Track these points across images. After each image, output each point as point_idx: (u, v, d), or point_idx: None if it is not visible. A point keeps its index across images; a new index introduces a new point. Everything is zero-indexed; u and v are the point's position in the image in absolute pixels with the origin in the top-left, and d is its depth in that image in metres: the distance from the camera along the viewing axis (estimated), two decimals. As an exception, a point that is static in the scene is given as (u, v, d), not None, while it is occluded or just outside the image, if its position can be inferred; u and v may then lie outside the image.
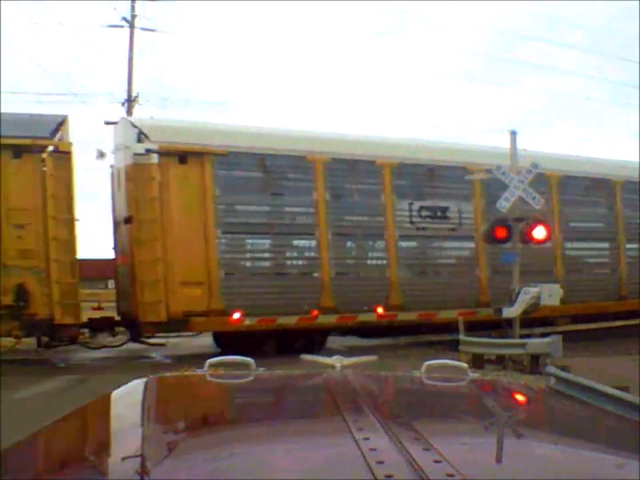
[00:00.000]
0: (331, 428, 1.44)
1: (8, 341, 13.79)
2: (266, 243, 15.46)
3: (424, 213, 16.30)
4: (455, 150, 17.09)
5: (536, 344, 12.68)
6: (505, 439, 1.52)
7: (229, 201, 14.62)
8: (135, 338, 15.57)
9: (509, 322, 13.77)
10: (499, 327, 13.97)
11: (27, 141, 12.51)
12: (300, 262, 15.99)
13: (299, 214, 15.47)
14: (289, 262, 15.86)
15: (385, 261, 16.50)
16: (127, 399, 2.05)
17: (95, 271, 22.76)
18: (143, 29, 26.99)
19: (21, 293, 12.81)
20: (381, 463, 1.13)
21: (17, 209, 12.52)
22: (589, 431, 1.67)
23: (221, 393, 2.15)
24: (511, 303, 13.61)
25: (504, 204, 13.35)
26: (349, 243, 16.46)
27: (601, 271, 18.77)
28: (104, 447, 1.49)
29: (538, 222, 13.44)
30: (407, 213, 16.15)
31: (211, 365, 2.27)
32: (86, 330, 15.27)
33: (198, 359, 2.98)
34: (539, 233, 13.40)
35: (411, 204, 16.19)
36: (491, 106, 62.87)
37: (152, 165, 13.59)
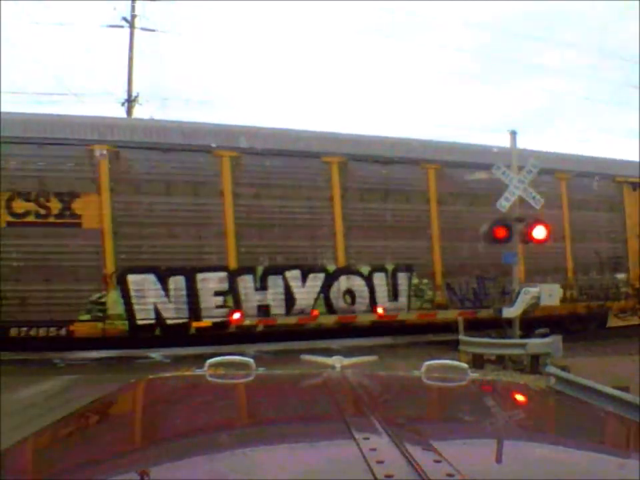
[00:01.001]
0: (330, 428, 1.44)
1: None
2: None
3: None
4: None
5: (536, 344, 12.69)
6: (504, 439, 1.52)
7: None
8: None
9: (509, 322, 13.80)
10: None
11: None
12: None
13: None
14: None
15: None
16: (127, 399, 2.05)
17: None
18: (142, 29, 27.02)
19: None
20: (381, 462, 1.13)
21: None
22: (588, 431, 1.67)
23: (220, 393, 2.15)
24: (511, 302, 13.64)
25: (504, 204, 13.36)
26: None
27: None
28: (104, 447, 1.49)
29: (538, 222, 13.46)
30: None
31: (211, 365, 2.27)
32: None
33: (198, 358, 2.99)
34: (539, 232, 13.41)
35: None
36: (490, 106, 62.88)
37: None
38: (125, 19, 26.83)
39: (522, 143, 14.47)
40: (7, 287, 12.31)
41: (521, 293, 13.54)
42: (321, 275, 15.01)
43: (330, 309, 15.42)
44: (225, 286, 14.20)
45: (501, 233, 13.56)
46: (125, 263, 13.28)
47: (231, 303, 14.30)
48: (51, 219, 12.69)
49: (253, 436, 1.46)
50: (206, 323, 14.14)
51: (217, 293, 14.22)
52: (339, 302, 15.42)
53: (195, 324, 14.02)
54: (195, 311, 13.98)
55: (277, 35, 59.98)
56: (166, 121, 15.23)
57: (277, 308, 14.80)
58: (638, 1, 31.85)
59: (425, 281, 16.25)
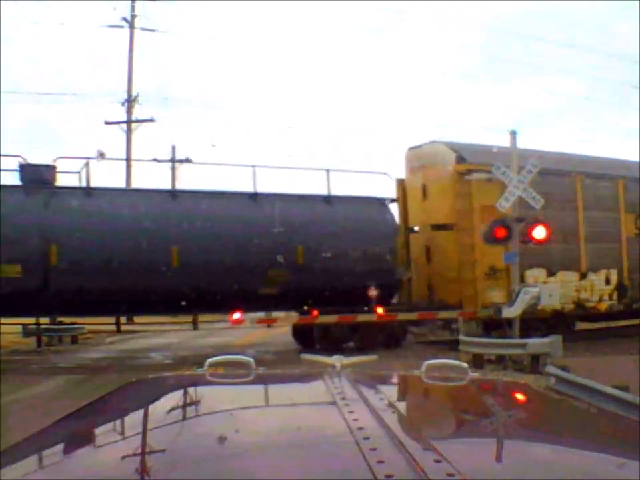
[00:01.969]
0: (330, 428, 1.44)
1: None
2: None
3: None
4: None
5: (536, 344, 12.68)
6: (504, 439, 1.52)
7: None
8: None
9: (509, 322, 13.78)
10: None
11: None
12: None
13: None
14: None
15: None
16: (127, 399, 2.05)
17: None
18: (142, 29, 27.01)
19: None
20: (381, 462, 1.13)
21: None
22: (588, 430, 1.67)
23: (220, 392, 2.16)
24: (511, 302, 13.62)
25: (504, 204, 13.35)
26: None
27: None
28: (104, 447, 1.49)
29: (537, 222, 13.45)
30: None
31: (211, 365, 2.27)
32: None
33: (198, 358, 2.99)
34: (539, 232, 13.40)
35: None
36: (490, 106, 62.87)
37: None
38: (125, 19, 26.84)
39: (521, 143, 14.47)
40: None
41: (520, 292, 13.52)
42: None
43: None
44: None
45: (501, 232, 13.55)
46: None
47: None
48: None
49: (252, 436, 1.46)
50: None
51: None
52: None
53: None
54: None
55: (277, 34, 59.91)
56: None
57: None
58: (638, 1, 31.85)
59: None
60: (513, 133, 13.89)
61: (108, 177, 17.30)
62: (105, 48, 55.32)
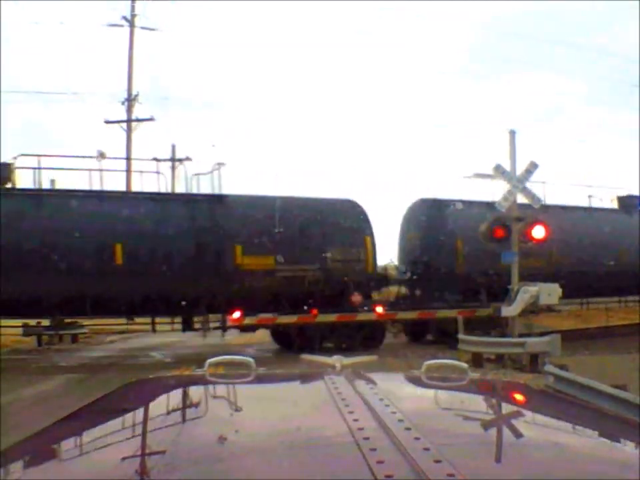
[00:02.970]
0: (330, 428, 1.44)
1: None
2: None
3: None
4: None
5: (535, 343, 12.70)
6: (504, 438, 1.52)
7: None
8: None
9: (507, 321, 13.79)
10: None
11: None
12: None
13: None
14: None
15: None
16: (127, 399, 2.05)
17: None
18: (143, 28, 26.99)
19: None
20: (381, 462, 1.13)
21: None
22: (587, 430, 1.67)
23: (220, 392, 2.16)
24: (510, 301, 13.62)
25: (503, 204, 13.36)
26: None
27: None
28: (104, 447, 1.49)
29: (537, 222, 13.44)
30: None
31: (211, 365, 2.27)
32: None
33: (198, 358, 2.99)
34: (538, 232, 13.39)
35: None
36: (490, 106, 62.82)
37: None
38: (125, 18, 26.81)
39: (521, 143, 14.48)
40: None
41: (520, 291, 13.51)
42: None
43: None
44: None
45: (499, 232, 13.54)
46: None
47: None
48: None
49: (252, 436, 1.46)
50: None
51: None
52: None
53: None
54: None
55: (276, 34, 59.86)
56: None
57: None
58: (638, 1, 31.83)
59: None
60: (512, 133, 13.89)
61: (108, 177, 17.06)
62: (105, 47, 55.26)
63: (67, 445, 1.56)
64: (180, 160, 26.53)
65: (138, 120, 27.39)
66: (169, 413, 1.76)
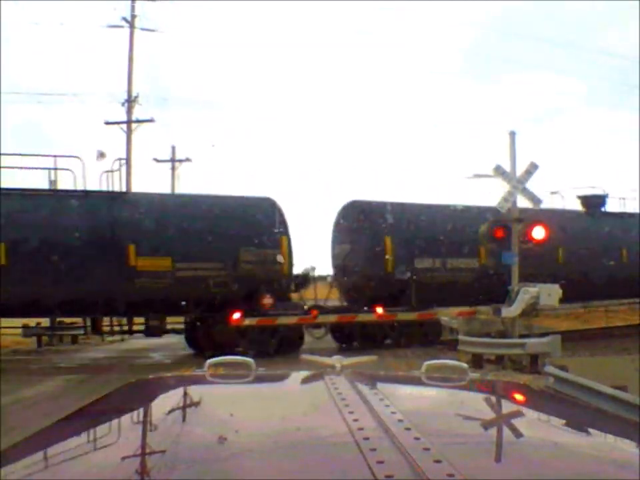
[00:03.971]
0: (330, 428, 1.44)
1: None
2: None
3: None
4: None
5: (535, 344, 12.70)
6: (504, 439, 1.52)
7: None
8: None
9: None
10: None
11: None
12: None
13: None
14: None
15: None
16: (127, 399, 2.05)
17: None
18: (142, 29, 26.99)
19: None
20: (381, 462, 1.13)
21: None
22: (588, 430, 1.67)
23: (220, 393, 2.16)
24: (510, 302, 13.61)
25: (503, 204, 13.36)
26: None
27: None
28: (104, 447, 1.49)
29: (536, 222, 13.45)
30: None
31: (211, 365, 2.27)
32: None
33: (198, 358, 2.99)
34: (538, 233, 13.40)
35: None
36: (490, 106, 62.90)
37: None
38: (125, 19, 26.82)
39: (520, 143, 14.49)
40: None
41: (520, 292, 13.51)
42: None
43: None
44: None
45: (499, 233, 13.55)
46: None
47: None
48: None
49: (252, 436, 1.46)
50: None
51: None
52: None
53: None
54: None
55: (276, 34, 59.88)
56: None
57: None
58: (638, 1, 31.86)
59: None
60: (512, 134, 13.90)
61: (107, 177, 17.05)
62: (105, 48, 55.30)
63: (67, 445, 1.55)
64: (180, 160, 26.54)
65: (138, 121, 27.42)
66: (168, 413, 1.75)
